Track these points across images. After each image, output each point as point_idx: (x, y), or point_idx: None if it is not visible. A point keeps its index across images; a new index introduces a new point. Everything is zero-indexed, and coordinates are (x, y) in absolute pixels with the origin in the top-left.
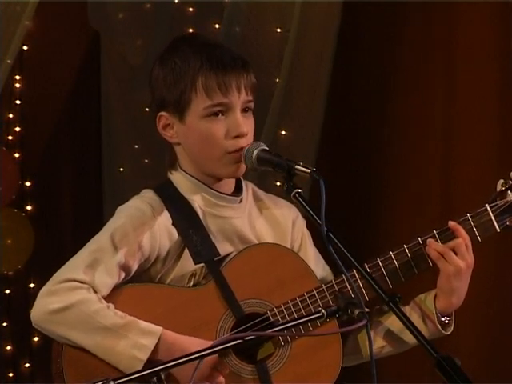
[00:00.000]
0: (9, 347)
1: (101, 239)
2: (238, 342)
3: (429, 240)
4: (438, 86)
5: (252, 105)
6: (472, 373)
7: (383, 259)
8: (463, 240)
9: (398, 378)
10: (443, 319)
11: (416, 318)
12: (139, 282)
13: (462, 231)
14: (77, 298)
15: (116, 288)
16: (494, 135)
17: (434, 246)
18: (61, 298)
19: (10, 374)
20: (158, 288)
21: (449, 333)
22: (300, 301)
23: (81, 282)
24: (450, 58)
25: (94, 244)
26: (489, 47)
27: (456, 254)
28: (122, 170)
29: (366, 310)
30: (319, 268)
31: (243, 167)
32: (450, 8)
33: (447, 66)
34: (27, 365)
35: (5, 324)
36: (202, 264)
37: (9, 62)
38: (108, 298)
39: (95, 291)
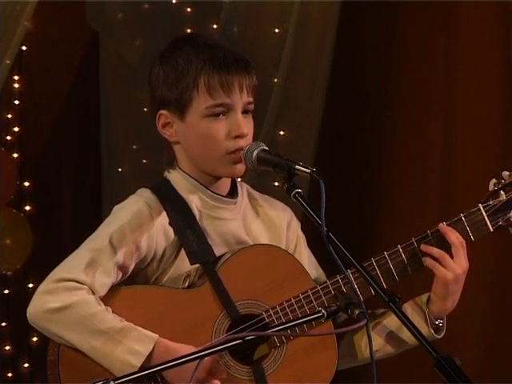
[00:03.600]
0: (8, 347)
1: (99, 239)
2: (237, 342)
3: (422, 245)
4: (438, 86)
5: (252, 106)
6: (472, 373)
7: (377, 259)
8: (457, 243)
9: (397, 378)
10: (437, 323)
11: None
12: (135, 283)
13: (452, 236)
14: (75, 298)
15: (112, 289)
16: (495, 135)
17: (429, 251)
18: (59, 298)
19: (9, 374)
20: (153, 289)
21: (441, 336)
22: (295, 302)
23: (80, 283)
24: (450, 57)
25: (92, 243)
26: (489, 47)
27: (452, 257)
28: (120, 170)
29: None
30: (312, 270)
31: (242, 168)
32: (450, 8)
33: (447, 65)
34: (26, 365)
35: (4, 324)
36: (198, 265)
37: (8, 62)
38: (104, 300)
39: (93, 292)
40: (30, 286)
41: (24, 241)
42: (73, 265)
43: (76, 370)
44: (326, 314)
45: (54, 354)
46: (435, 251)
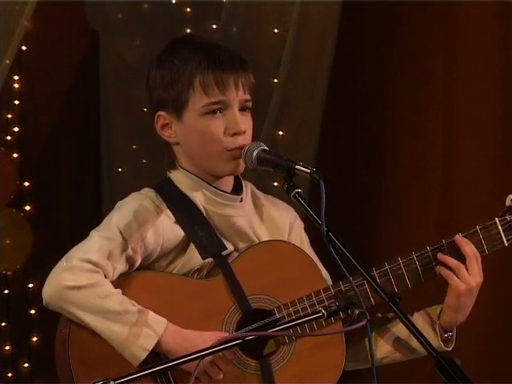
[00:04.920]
0: (8, 347)
1: (108, 229)
2: (238, 342)
3: (439, 254)
4: (438, 86)
5: (250, 104)
6: (472, 373)
7: (391, 265)
8: (472, 255)
9: (398, 378)
10: (446, 335)
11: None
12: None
13: (467, 248)
14: (92, 280)
15: (126, 274)
16: (495, 135)
17: (445, 261)
18: (76, 277)
19: (9, 374)
20: (166, 277)
21: (450, 349)
22: (307, 300)
23: (96, 265)
24: (450, 58)
25: (102, 232)
26: (489, 47)
27: (467, 269)
28: (120, 170)
29: (379, 315)
30: None
31: (242, 165)
32: (450, 8)
33: (447, 65)
34: (26, 365)
35: (3, 324)
36: (209, 259)
37: (8, 62)
38: (116, 284)
39: (106, 277)
40: (30, 285)
41: (24, 241)
42: (89, 247)
43: (85, 350)
44: (325, 314)
45: (64, 332)
46: (451, 261)
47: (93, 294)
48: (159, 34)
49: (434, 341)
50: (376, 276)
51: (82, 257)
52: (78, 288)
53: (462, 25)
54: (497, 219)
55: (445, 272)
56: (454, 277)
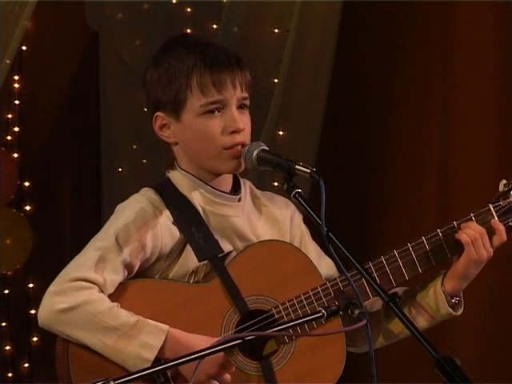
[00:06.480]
0: (8, 347)
1: (105, 237)
2: (238, 342)
3: (463, 224)
4: (436, 86)
5: (248, 102)
6: (472, 373)
7: (387, 257)
8: (483, 232)
9: (397, 378)
10: (453, 300)
11: (426, 304)
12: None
13: (475, 227)
14: (83, 298)
15: (122, 282)
16: (495, 135)
17: (472, 226)
18: (68, 298)
19: (9, 374)
20: (163, 283)
21: (459, 313)
22: (304, 298)
23: (88, 281)
24: (449, 57)
25: (99, 242)
26: (488, 47)
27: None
28: (120, 170)
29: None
30: (322, 262)
31: (242, 163)
32: (450, 8)
33: (446, 65)
34: (26, 365)
35: (4, 324)
36: (205, 261)
37: (8, 62)
38: (114, 292)
39: (102, 290)
40: (30, 285)
41: (24, 241)
42: (81, 263)
43: (86, 366)
44: (326, 314)
45: (63, 348)
46: (478, 227)
47: (85, 312)
48: (159, 34)
49: (445, 308)
50: (373, 270)
51: (73, 276)
52: (70, 309)
53: (461, 25)
54: (490, 205)
55: (465, 238)
56: (472, 245)
